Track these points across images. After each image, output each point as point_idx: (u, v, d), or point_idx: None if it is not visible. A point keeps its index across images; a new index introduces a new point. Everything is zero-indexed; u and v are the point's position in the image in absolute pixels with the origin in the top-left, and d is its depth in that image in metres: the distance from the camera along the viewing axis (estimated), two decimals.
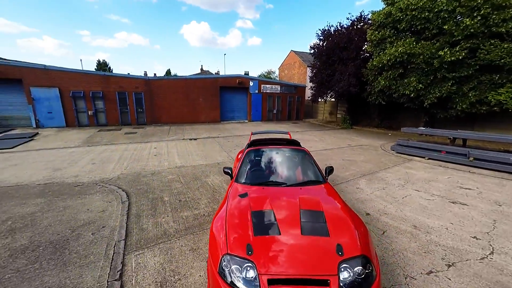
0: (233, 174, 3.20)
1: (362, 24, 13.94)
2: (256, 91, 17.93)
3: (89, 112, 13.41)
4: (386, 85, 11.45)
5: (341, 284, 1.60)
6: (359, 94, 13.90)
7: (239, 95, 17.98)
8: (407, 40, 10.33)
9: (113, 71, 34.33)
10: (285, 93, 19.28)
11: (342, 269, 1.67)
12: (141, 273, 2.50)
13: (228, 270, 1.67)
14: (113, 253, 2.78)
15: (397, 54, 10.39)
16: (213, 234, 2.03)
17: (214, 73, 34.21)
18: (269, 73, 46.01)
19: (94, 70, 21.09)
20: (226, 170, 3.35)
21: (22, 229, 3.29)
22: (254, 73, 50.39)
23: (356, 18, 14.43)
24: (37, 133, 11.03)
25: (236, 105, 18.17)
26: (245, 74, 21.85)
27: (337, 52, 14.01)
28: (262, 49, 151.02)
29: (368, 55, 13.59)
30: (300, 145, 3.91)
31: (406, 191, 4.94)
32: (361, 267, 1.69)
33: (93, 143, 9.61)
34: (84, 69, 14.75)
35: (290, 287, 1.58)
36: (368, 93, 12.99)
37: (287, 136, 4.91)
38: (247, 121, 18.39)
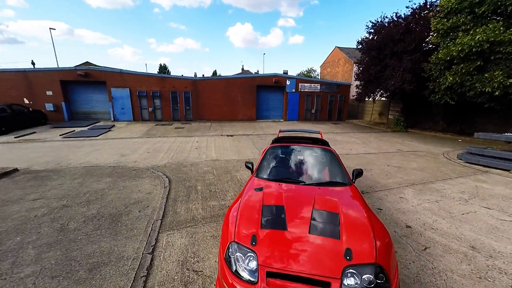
0: (254, 169, 3.27)
1: (426, 12, 11.94)
2: (293, 90, 17.53)
3: (149, 108, 15.65)
4: (456, 81, 9.50)
5: None
6: (416, 92, 12.02)
7: (275, 94, 17.94)
8: (490, 26, 8.32)
9: (171, 73, 38.98)
10: (326, 92, 18.21)
11: (349, 275, 1.57)
12: (169, 251, 2.84)
13: (234, 257, 1.75)
14: (151, 230, 3.24)
15: (473, 44, 8.49)
16: (226, 223, 2.15)
17: (253, 73, 35.00)
18: (309, 71, 44.38)
19: (156, 73, 24.41)
20: (247, 164, 3.45)
21: (94, 201, 4.14)
22: (294, 72, 49.38)
23: (419, 5, 12.44)
24: (114, 125, 13.56)
25: (272, 104, 18.20)
26: (283, 73, 21.60)
27: (390, 45, 12.46)
28: (304, 47, 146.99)
29: (432, 46, 11.58)
30: (328, 145, 3.70)
31: (470, 207, 4.10)
32: (371, 276, 1.55)
33: (150, 135, 11.22)
34: (148, 72, 17.28)
35: (288, 282, 1.56)
36: (431, 90, 11.05)
37: (317, 136, 4.68)
38: (282, 120, 18.19)
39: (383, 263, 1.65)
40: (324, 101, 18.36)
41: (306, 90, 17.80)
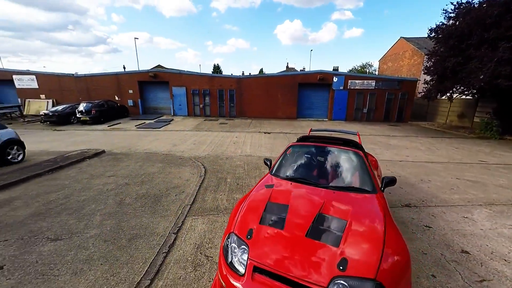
0: (271, 166, 3.18)
1: None
2: (341, 88, 15.91)
3: (200, 105, 17.27)
4: None
5: None
6: None
7: (319, 92, 16.68)
8: None
9: (223, 73, 41.44)
10: (383, 89, 15.76)
11: (340, 285, 1.43)
12: (190, 234, 3.12)
13: (230, 247, 1.82)
14: (180, 213, 3.63)
15: None
16: (232, 215, 2.22)
17: (299, 70, 33.61)
18: (363, 67, 39.57)
19: (209, 73, 26.45)
20: (266, 161, 3.38)
21: (146, 182, 4.91)
22: (347, 68, 44.91)
23: None
24: (172, 119, 15.62)
25: (315, 102, 17.01)
26: (333, 69, 19.77)
27: (478, 32, 9.80)
28: (361, 41, 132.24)
29: None
30: (360, 149, 3.20)
31: None
32: None
33: (199, 129, 12.41)
34: (201, 72, 19.01)
35: (273, 281, 1.53)
36: None
37: (353, 137, 4.10)
38: (326, 119, 16.83)
39: (385, 281, 1.43)
40: (380, 100, 16.02)
41: (357, 87, 15.92)
